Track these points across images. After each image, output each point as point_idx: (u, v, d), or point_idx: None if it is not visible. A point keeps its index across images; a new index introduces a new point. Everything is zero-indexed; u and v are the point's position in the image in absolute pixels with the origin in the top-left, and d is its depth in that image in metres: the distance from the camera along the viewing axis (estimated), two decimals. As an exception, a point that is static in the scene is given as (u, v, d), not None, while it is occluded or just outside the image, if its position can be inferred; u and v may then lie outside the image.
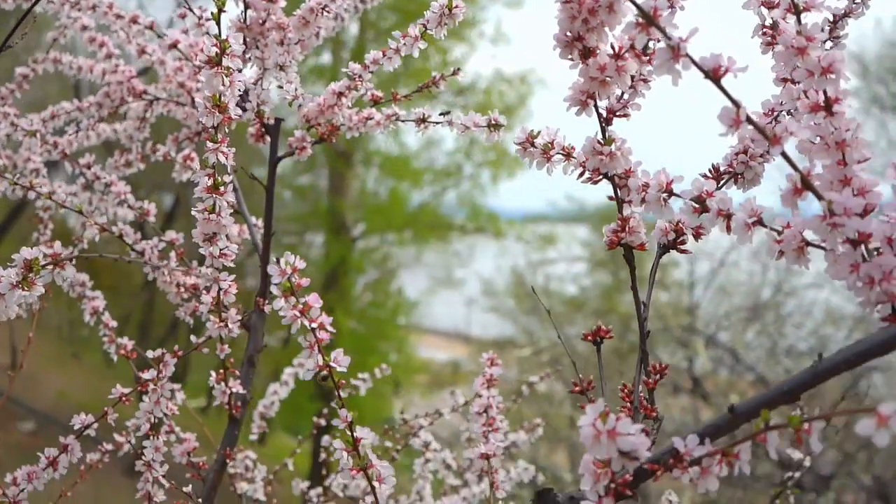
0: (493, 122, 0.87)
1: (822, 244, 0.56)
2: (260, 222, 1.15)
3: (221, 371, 1.01)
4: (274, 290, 0.65)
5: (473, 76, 11.54)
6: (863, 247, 0.56)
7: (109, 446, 1.18)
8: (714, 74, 0.53)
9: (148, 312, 10.24)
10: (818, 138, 0.58)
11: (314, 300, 0.66)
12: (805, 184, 0.54)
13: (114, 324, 1.14)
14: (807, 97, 0.58)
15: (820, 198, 0.54)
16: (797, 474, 1.16)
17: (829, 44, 0.77)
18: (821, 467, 5.95)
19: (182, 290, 1.07)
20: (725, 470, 0.54)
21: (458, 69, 1.05)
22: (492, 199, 12.18)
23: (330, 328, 0.66)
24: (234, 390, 1.02)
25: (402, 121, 1.02)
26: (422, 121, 1.00)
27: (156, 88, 1.33)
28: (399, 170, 12.32)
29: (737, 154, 0.72)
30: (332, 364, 0.67)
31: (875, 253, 0.55)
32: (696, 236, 0.71)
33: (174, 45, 1.10)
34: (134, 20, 1.15)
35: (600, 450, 0.53)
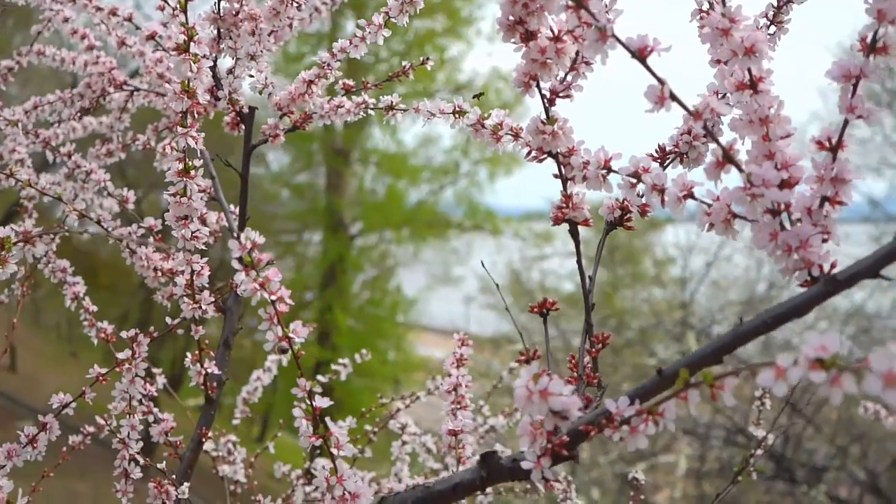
0: (457, 109, 0.90)
1: (749, 218, 0.60)
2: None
3: (197, 353, 1.04)
4: (235, 264, 0.68)
5: (471, 74, 11.56)
6: (786, 217, 0.59)
7: (91, 428, 1.21)
8: (640, 54, 0.56)
9: (146, 311, 10.28)
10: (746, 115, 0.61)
11: (274, 274, 0.69)
12: (727, 157, 0.57)
13: (94, 308, 1.17)
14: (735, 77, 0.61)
15: (741, 170, 0.57)
16: (758, 451, 1.19)
17: (772, 28, 0.80)
18: (814, 460, 5.99)
19: (159, 274, 1.10)
20: (652, 428, 0.57)
21: (428, 58, 1.08)
22: (489, 197, 12.20)
23: (289, 301, 0.69)
24: (209, 371, 1.05)
25: (372, 108, 1.05)
26: (390, 108, 1.03)
27: (140, 82, 1.36)
28: (396, 168, 12.35)
29: (681, 134, 0.75)
30: (290, 335, 0.70)
31: (798, 223, 0.59)
32: (643, 213, 0.74)
33: (152, 37, 1.13)
34: (113, 12, 1.18)
35: (533, 409, 0.56)
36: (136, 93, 1.29)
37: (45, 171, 1.54)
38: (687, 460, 5.75)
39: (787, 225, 0.58)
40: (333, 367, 1.48)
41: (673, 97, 0.56)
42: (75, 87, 1.37)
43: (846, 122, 0.58)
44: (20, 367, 8.75)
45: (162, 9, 1.12)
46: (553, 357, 0.73)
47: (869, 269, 0.52)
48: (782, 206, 0.57)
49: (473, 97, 0.98)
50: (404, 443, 1.39)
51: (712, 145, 0.66)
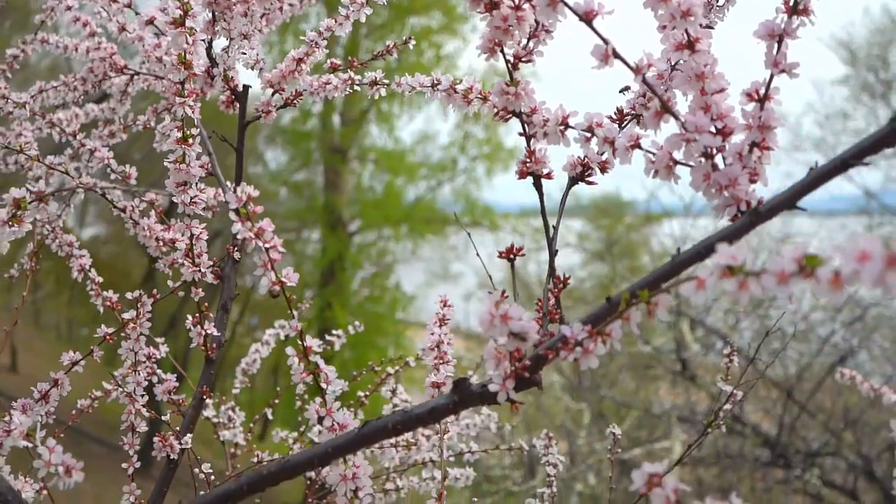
0: (435, 82, 0.97)
1: (687, 162, 0.67)
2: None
3: (197, 315, 1.11)
4: (232, 215, 0.75)
5: (467, 70, 11.61)
6: (721, 161, 0.66)
7: (98, 392, 1.28)
8: (587, 17, 0.63)
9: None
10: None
11: (267, 224, 0.76)
12: (664, 107, 0.64)
13: (100, 279, 1.24)
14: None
15: (677, 119, 0.64)
16: (727, 406, 1.26)
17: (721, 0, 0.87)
18: (808, 445, 6.06)
19: (161, 244, 1.17)
20: (602, 348, 0.64)
21: (410, 38, 1.15)
22: (487, 193, 12.27)
23: (282, 249, 0.76)
24: (209, 332, 1.12)
25: (359, 84, 1.12)
26: (374, 83, 1.10)
27: (140, 67, 1.43)
28: (394, 165, 12.41)
29: (638, 97, 0.83)
30: (283, 279, 0.77)
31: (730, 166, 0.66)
32: (602, 170, 0.81)
33: (150, 22, 1.20)
34: None
35: (495, 331, 0.63)
36: (136, 76, 1.36)
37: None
38: (683, 446, 5.83)
39: (721, 168, 0.66)
40: (328, 337, 1.56)
41: (616, 55, 0.63)
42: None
43: (772, 76, 0.65)
44: (20, 367, 8.82)
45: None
46: (520, 300, 0.80)
47: (786, 202, 0.60)
48: (714, 151, 0.64)
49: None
50: (395, 406, 1.46)
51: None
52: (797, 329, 6.77)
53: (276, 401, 1.57)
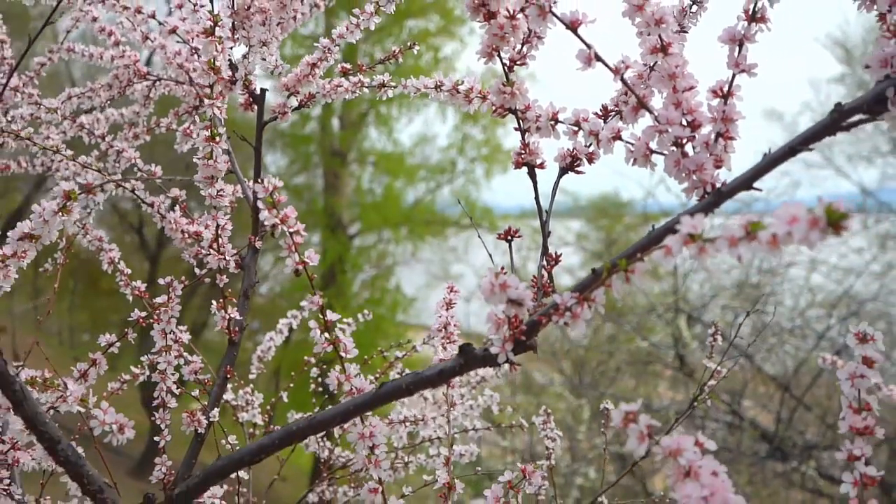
0: (437, 83, 1.07)
1: (661, 151, 0.77)
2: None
3: (221, 300, 1.21)
4: (260, 204, 0.85)
5: (465, 73, 11.70)
6: (691, 149, 0.76)
7: (127, 376, 1.37)
8: (573, 26, 0.73)
9: (148, 315, 10.39)
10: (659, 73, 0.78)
11: (291, 211, 0.86)
12: (640, 103, 0.74)
13: (128, 270, 1.34)
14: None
15: (651, 113, 0.74)
16: (711, 382, 1.35)
17: (694, 7, 0.97)
18: (805, 439, 6.16)
19: (186, 236, 1.26)
20: (588, 313, 0.73)
21: (415, 43, 1.25)
22: (486, 195, 12.36)
23: (304, 233, 0.86)
24: (232, 317, 1.22)
25: (367, 87, 1.22)
26: (382, 86, 1.20)
27: (160, 72, 1.53)
28: (393, 167, 12.51)
29: (620, 95, 0.92)
30: (305, 259, 0.87)
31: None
32: (590, 160, 0.91)
33: (173, 31, 1.30)
34: (138, 10, 1.34)
35: (495, 299, 0.73)
36: (158, 82, 1.46)
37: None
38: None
39: (691, 155, 0.75)
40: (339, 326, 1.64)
41: (598, 58, 0.73)
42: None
43: (734, 76, 0.75)
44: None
45: (180, 6, 1.30)
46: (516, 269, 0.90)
47: (744, 184, 0.69)
48: (684, 140, 0.74)
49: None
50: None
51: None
52: (794, 325, 6.88)
53: (291, 385, 1.66)
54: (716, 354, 1.39)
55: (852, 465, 0.69)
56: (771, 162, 0.67)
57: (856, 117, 0.66)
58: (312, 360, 1.51)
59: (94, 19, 1.46)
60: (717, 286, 6.48)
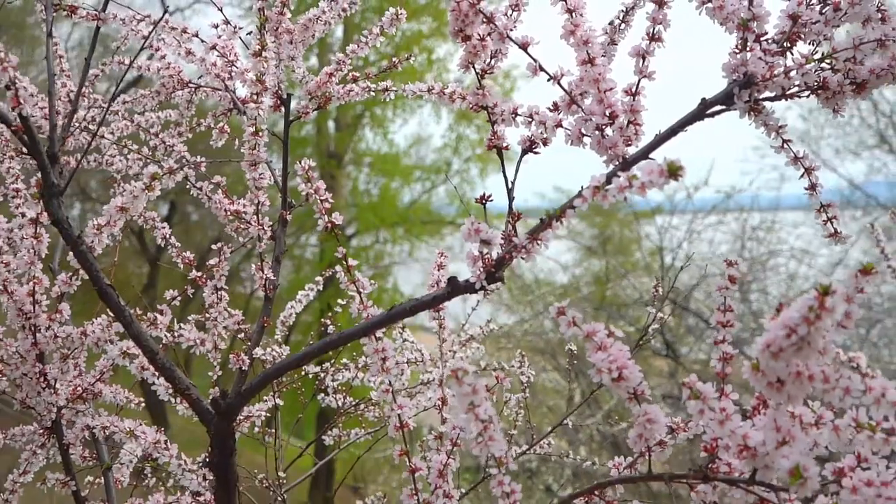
0: (430, 87, 1.37)
1: (589, 134, 1.07)
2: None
3: (258, 263, 1.51)
4: (298, 178, 1.15)
5: (458, 74, 11.99)
6: (610, 132, 1.06)
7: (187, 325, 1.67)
8: (523, 46, 1.04)
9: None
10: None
11: (321, 184, 1.16)
12: (572, 100, 1.04)
13: (178, 244, 1.64)
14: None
15: (579, 107, 1.04)
16: (654, 326, 1.65)
17: (623, 25, 1.27)
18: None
19: (227, 213, 1.56)
20: (543, 248, 1.03)
21: (411, 55, 1.56)
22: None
23: (331, 200, 1.16)
24: (268, 276, 1.52)
25: (374, 91, 1.52)
26: (386, 90, 1.51)
27: (198, 80, 1.83)
28: (389, 168, 12.79)
29: (563, 95, 1.22)
30: (333, 220, 1.17)
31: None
32: (544, 143, 1.21)
33: (213, 47, 1.60)
34: (184, 31, 1.64)
35: (471, 239, 1.03)
36: (198, 89, 1.76)
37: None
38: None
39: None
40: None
41: (541, 69, 1.04)
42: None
43: (639, 80, 1.05)
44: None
45: (216, 27, 1.60)
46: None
47: (641, 156, 1.00)
48: (605, 126, 1.04)
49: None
50: (404, 341, 1.86)
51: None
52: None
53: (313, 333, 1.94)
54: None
55: (718, 346, 1.00)
56: (658, 141, 0.98)
57: (717, 108, 0.97)
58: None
59: (144, 38, 1.76)
60: (701, 276, 6.81)
